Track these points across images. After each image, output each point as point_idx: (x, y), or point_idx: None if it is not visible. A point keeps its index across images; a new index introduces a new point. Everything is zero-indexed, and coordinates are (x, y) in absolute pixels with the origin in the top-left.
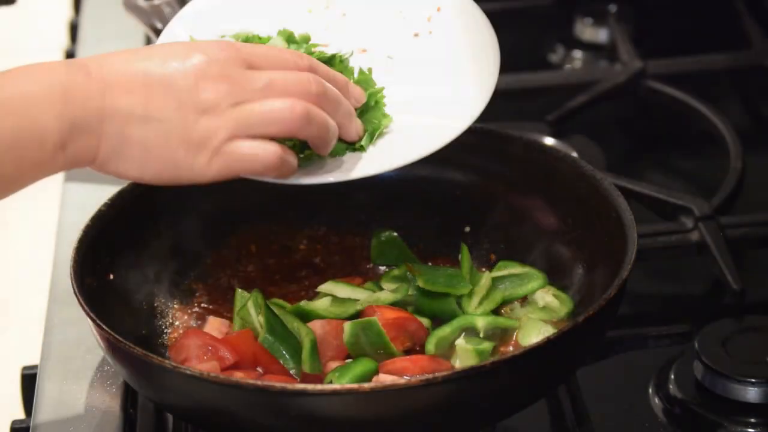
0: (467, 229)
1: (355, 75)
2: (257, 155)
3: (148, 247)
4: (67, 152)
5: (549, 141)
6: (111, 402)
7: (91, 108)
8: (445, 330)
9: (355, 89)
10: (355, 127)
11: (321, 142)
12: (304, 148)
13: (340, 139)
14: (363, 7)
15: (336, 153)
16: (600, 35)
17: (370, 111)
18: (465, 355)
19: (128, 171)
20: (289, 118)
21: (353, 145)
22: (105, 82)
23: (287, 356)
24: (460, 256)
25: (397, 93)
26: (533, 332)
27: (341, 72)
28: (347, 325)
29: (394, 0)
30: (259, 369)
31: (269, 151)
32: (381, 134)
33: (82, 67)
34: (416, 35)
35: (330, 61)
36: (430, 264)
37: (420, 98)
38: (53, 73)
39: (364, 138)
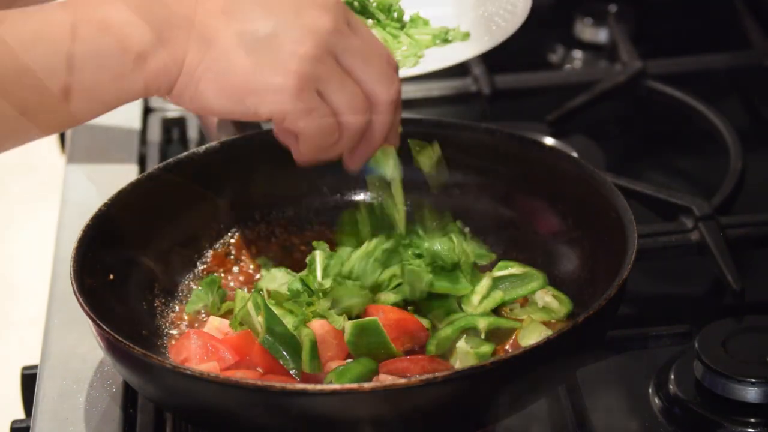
0: (467, 229)
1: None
2: None
3: (148, 247)
4: (148, 66)
5: (549, 141)
6: (111, 402)
7: (178, 15)
8: (446, 331)
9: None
10: (359, 155)
11: (306, 142)
12: None
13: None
14: None
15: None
16: (600, 35)
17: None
18: (466, 358)
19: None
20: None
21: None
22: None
23: (287, 356)
24: None
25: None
26: (533, 333)
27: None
28: (348, 325)
29: None
30: (259, 369)
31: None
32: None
33: None
34: None
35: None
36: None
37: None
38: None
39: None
